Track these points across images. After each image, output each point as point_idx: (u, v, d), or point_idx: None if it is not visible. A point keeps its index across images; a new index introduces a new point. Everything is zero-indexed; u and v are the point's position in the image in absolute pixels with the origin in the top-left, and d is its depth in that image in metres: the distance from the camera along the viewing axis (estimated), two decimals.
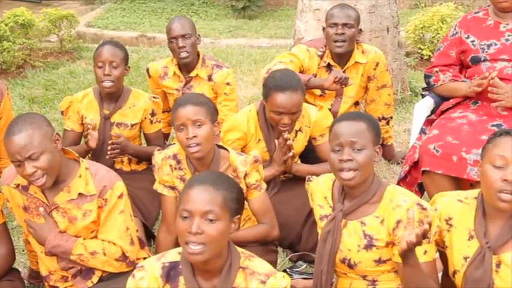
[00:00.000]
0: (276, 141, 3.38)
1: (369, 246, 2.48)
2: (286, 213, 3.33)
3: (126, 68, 3.65)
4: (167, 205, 3.03)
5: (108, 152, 3.59)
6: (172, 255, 2.25)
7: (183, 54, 3.92)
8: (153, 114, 3.73)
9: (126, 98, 3.69)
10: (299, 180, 3.49)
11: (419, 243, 2.25)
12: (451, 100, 3.52)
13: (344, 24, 3.84)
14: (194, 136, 2.84)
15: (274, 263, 3.07)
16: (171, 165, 3.01)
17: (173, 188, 3.02)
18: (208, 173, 2.32)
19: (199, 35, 4.05)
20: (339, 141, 2.44)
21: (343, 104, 4.07)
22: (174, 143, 3.48)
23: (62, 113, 3.78)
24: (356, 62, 4.00)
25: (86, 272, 2.79)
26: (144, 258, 2.69)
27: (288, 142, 3.32)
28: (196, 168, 2.95)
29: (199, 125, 2.85)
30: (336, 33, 3.84)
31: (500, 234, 2.36)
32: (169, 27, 3.97)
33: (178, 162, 3.01)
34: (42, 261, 2.86)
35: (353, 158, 2.42)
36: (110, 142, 3.60)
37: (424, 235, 2.23)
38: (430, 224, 2.27)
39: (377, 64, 4.06)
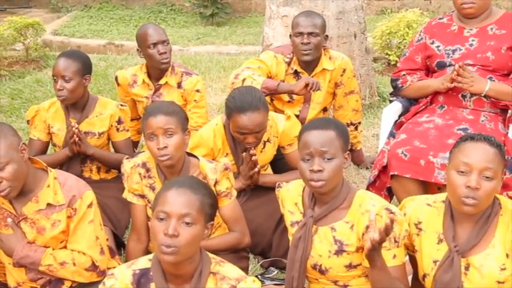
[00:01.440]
0: (243, 154, 3.37)
1: (339, 251, 2.50)
2: (257, 220, 3.33)
3: (86, 78, 3.58)
4: (137, 213, 3.02)
5: (70, 141, 3.55)
6: (143, 262, 2.24)
7: (165, 60, 3.91)
8: (119, 122, 3.70)
9: (93, 107, 3.66)
10: (269, 187, 3.51)
11: (382, 240, 2.26)
12: (420, 104, 3.55)
13: (309, 33, 3.86)
14: (165, 146, 2.83)
15: (245, 270, 3.07)
16: (140, 174, 2.99)
17: (142, 196, 3.00)
18: (186, 178, 2.32)
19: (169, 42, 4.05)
20: (309, 151, 2.45)
21: (311, 110, 4.09)
22: (143, 151, 3.47)
23: (28, 122, 3.74)
24: (323, 69, 4.03)
25: (55, 282, 2.75)
26: (115, 267, 2.66)
27: (253, 158, 3.32)
28: (166, 177, 2.94)
29: (170, 135, 2.85)
30: (302, 43, 3.87)
31: (468, 237, 2.39)
32: (146, 34, 3.92)
33: (148, 170, 2.99)
34: (10, 273, 2.81)
35: (323, 169, 2.43)
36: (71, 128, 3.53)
37: (387, 232, 2.25)
38: (392, 221, 2.28)
39: (344, 70, 4.09)
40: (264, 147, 3.49)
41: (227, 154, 3.46)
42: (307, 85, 3.74)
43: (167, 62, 3.93)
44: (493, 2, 3.64)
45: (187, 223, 2.10)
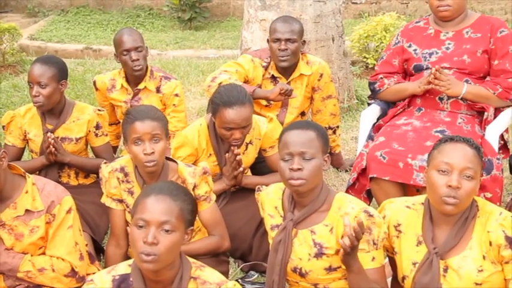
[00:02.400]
0: (226, 155, 3.37)
1: (319, 254, 2.50)
2: (236, 224, 3.33)
3: (62, 84, 3.55)
4: (115, 218, 3.00)
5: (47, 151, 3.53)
6: (123, 267, 2.22)
7: (137, 67, 3.89)
8: (97, 127, 3.68)
9: (70, 112, 3.63)
10: (248, 190, 3.50)
11: (353, 245, 2.28)
12: (398, 106, 3.58)
13: (287, 40, 3.86)
14: (152, 152, 2.82)
15: (226, 274, 3.07)
16: (118, 178, 2.98)
17: (121, 201, 2.99)
18: (165, 183, 2.30)
19: (147, 47, 4.03)
20: (289, 151, 2.46)
21: (288, 114, 4.09)
22: (122, 156, 3.45)
23: (4, 127, 3.70)
24: (301, 74, 4.04)
25: None
26: (94, 273, 2.64)
27: (238, 157, 3.33)
28: (145, 181, 2.93)
29: (156, 140, 2.85)
30: (279, 49, 3.87)
31: (447, 239, 2.41)
32: (120, 40, 3.91)
33: (126, 175, 2.98)
34: None
35: (303, 168, 2.44)
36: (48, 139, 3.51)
37: (357, 236, 2.27)
38: (361, 226, 2.30)
39: (321, 75, 4.11)
40: (246, 149, 3.49)
41: (210, 155, 3.46)
42: (281, 91, 3.77)
43: (139, 70, 3.90)
44: (468, 5, 3.67)
45: (166, 230, 2.09)
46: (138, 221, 2.11)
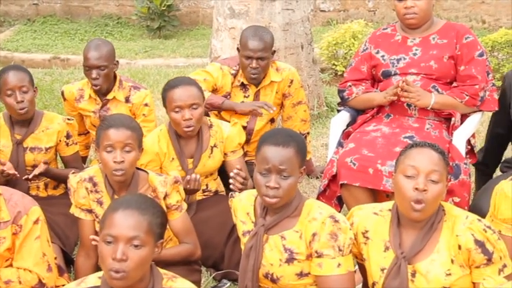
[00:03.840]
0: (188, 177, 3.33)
1: (290, 260, 2.51)
2: (208, 233, 3.32)
3: (34, 90, 3.54)
4: (85, 229, 2.97)
5: (30, 177, 3.49)
6: (93, 280, 2.19)
7: (96, 87, 3.83)
8: (68, 136, 3.65)
9: (39, 122, 3.59)
10: (218, 198, 3.51)
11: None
12: (368, 114, 3.60)
13: (259, 58, 3.84)
14: (122, 161, 2.80)
15: (198, 283, 3.05)
16: (87, 188, 2.95)
17: (90, 211, 2.96)
18: (133, 197, 2.27)
19: (117, 61, 3.94)
20: (268, 167, 2.46)
21: (258, 121, 4.09)
22: (91, 166, 3.42)
23: None
24: (271, 81, 4.05)
25: None
26: (63, 286, 2.61)
27: (196, 183, 3.32)
28: (114, 191, 2.91)
29: (128, 150, 2.83)
30: (251, 66, 3.86)
31: (413, 243, 2.43)
32: (85, 55, 3.82)
33: (95, 184, 2.95)
34: None
35: (279, 186, 2.44)
36: (34, 174, 3.49)
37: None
38: (335, 235, 2.39)
39: (291, 81, 4.12)
40: (211, 153, 3.50)
41: (173, 159, 3.46)
42: (253, 111, 3.83)
43: (97, 89, 3.86)
44: (434, 13, 3.72)
45: (135, 246, 2.07)
46: (106, 237, 2.08)
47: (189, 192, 3.33)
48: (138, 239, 2.07)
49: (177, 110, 3.32)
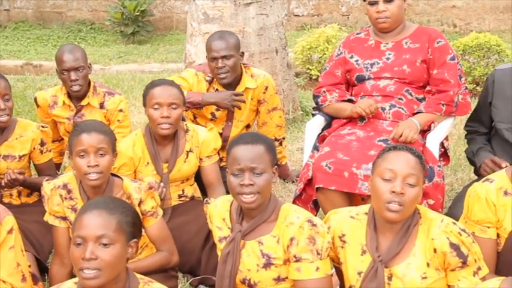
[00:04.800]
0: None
1: (267, 265, 2.51)
2: (184, 238, 3.30)
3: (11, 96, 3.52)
4: (59, 236, 2.95)
5: (3, 184, 3.44)
6: (68, 285, 2.19)
7: (75, 88, 3.82)
8: (42, 143, 3.61)
9: (12, 129, 3.54)
10: (194, 204, 3.50)
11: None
12: (343, 120, 3.62)
13: (223, 57, 3.87)
14: (96, 165, 2.78)
15: None
16: (61, 195, 2.93)
17: (64, 218, 2.94)
18: (102, 198, 2.28)
19: (90, 64, 3.95)
20: (240, 167, 2.46)
21: (234, 128, 4.10)
22: (65, 173, 3.40)
23: None
24: (246, 88, 4.05)
25: None
26: None
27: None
28: (89, 197, 2.89)
29: (102, 154, 2.82)
30: (217, 67, 3.88)
31: (390, 247, 2.45)
32: (61, 59, 3.81)
33: (69, 191, 2.93)
34: None
35: (254, 183, 2.45)
36: (7, 179, 3.45)
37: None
38: (313, 239, 2.40)
39: (266, 88, 4.13)
40: (187, 157, 3.49)
41: (148, 163, 3.45)
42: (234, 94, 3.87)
43: (77, 90, 3.84)
44: (406, 17, 3.76)
45: (104, 244, 2.07)
46: (75, 239, 2.08)
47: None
48: (106, 237, 2.07)
49: (156, 107, 3.34)
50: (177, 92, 3.40)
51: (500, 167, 3.04)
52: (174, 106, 3.35)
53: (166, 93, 3.35)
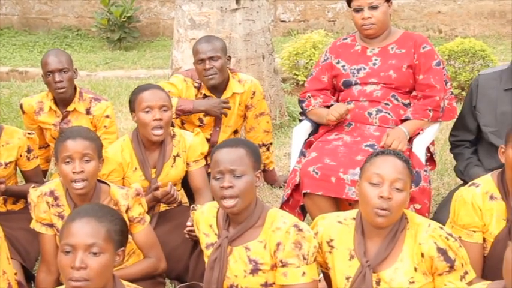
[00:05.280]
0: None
1: (254, 270, 2.51)
2: (171, 245, 3.30)
3: None
4: (46, 244, 2.93)
5: None
6: None
7: (60, 90, 3.82)
8: (29, 150, 3.59)
9: None
10: (182, 210, 3.49)
11: None
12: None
13: (210, 58, 3.89)
14: (81, 171, 2.77)
15: None
16: (47, 202, 2.91)
17: (51, 225, 2.92)
18: (90, 206, 2.27)
19: (76, 69, 3.95)
20: (219, 169, 2.47)
21: (222, 133, 4.11)
22: (52, 179, 3.38)
23: None
24: (233, 93, 4.06)
25: None
26: None
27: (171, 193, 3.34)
28: (76, 204, 2.88)
29: (87, 160, 2.81)
30: (205, 69, 3.89)
31: (378, 252, 2.45)
32: (45, 61, 3.83)
33: (56, 198, 2.92)
34: None
35: (234, 185, 2.45)
36: None
37: None
38: (300, 244, 2.39)
39: (254, 93, 4.14)
40: (174, 162, 3.49)
41: (136, 169, 3.45)
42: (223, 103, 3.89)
43: (62, 92, 3.83)
44: (392, 22, 3.78)
45: (94, 253, 2.05)
46: (64, 247, 2.06)
47: (165, 203, 3.38)
48: (96, 246, 2.06)
49: (147, 110, 3.34)
50: (166, 95, 3.42)
51: None
52: (164, 108, 3.36)
53: (157, 96, 3.37)
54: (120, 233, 2.15)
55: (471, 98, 3.51)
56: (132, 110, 3.44)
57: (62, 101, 3.92)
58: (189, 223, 3.23)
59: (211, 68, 3.89)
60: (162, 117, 3.33)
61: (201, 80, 3.99)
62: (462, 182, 3.57)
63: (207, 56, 3.88)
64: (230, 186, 2.44)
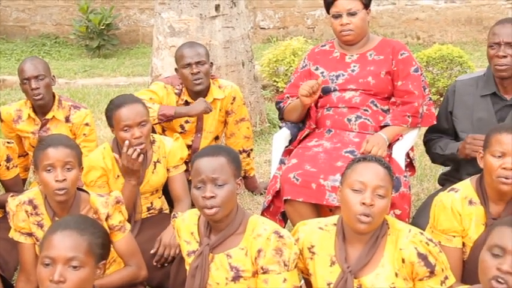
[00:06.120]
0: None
1: (236, 278, 2.50)
2: (152, 252, 3.28)
3: None
4: (25, 253, 2.91)
5: None
6: None
7: (37, 96, 3.79)
8: (8, 160, 3.56)
9: None
10: (163, 217, 3.48)
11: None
12: (306, 130, 3.63)
13: (197, 62, 3.89)
14: (64, 179, 2.75)
15: None
16: (26, 211, 2.88)
17: (30, 234, 2.90)
18: (72, 217, 2.24)
19: (54, 76, 3.93)
20: (201, 178, 2.46)
21: (203, 139, 4.10)
22: (31, 188, 3.35)
23: None
24: (214, 98, 4.06)
25: None
26: None
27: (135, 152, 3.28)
28: (55, 213, 2.85)
29: (69, 168, 2.78)
30: (192, 73, 3.89)
31: (359, 258, 2.46)
32: (21, 68, 3.81)
33: (35, 207, 2.89)
34: None
35: (215, 195, 2.44)
36: None
37: None
38: (280, 250, 2.35)
39: (234, 98, 4.15)
40: (155, 168, 3.48)
41: (118, 176, 3.43)
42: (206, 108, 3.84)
43: (39, 99, 3.80)
44: (370, 29, 3.81)
45: (74, 267, 2.03)
46: (44, 259, 2.03)
47: (127, 170, 3.30)
48: (76, 259, 2.03)
49: (126, 129, 3.30)
50: (142, 108, 3.35)
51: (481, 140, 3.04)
52: (143, 123, 3.32)
53: (134, 112, 3.29)
54: (102, 246, 2.13)
55: (447, 103, 3.54)
56: (110, 125, 3.40)
57: (41, 109, 3.89)
58: (152, 251, 3.23)
59: (199, 72, 3.89)
60: (141, 133, 3.30)
61: (186, 85, 3.98)
62: (441, 187, 3.60)
63: (193, 60, 3.89)
64: (212, 196, 2.44)
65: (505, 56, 3.26)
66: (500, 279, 2.01)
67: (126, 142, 3.27)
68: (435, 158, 3.63)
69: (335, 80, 3.60)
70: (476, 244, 2.72)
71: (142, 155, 3.29)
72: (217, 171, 2.46)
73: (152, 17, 8.50)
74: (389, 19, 9.13)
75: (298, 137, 3.62)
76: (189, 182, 3.62)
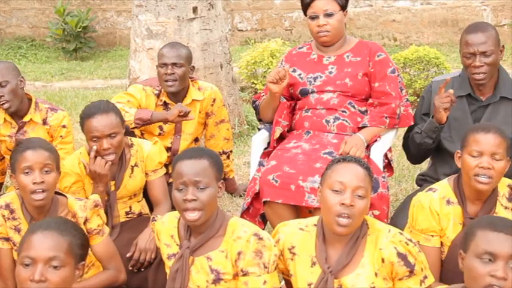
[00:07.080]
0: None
1: (216, 280, 2.50)
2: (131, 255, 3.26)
3: None
4: (2, 258, 2.87)
5: None
6: None
7: (5, 106, 3.70)
8: None
9: None
10: (142, 220, 3.46)
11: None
12: (275, 128, 3.62)
13: (173, 64, 3.87)
14: (42, 181, 2.72)
15: None
16: (3, 216, 2.85)
17: (7, 239, 2.87)
18: (52, 219, 2.25)
19: (22, 77, 3.84)
20: (183, 180, 2.46)
21: (182, 141, 4.09)
22: (7, 192, 3.31)
23: None
24: (193, 100, 4.05)
25: None
26: None
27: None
28: (33, 217, 2.83)
29: (47, 171, 2.76)
30: (166, 73, 3.87)
31: (339, 258, 2.47)
32: None
33: (12, 211, 2.86)
34: None
35: (197, 198, 2.44)
36: None
37: None
38: (260, 252, 2.37)
39: (214, 100, 4.14)
40: (132, 172, 3.45)
41: None
42: (180, 113, 3.78)
43: (8, 107, 3.72)
44: (348, 31, 3.83)
45: (55, 266, 2.02)
46: (24, 259, 2.02)
47: (94, 175, 3.27)
48: (57, 259, 2.03)
49: (94, 139, 3.26)
50: (114, 119, 3.26)
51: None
52: (113, 135, 3.25)
53: (103, 124, 3.22)
54: (82, 247, 2.13)
55: (422, 104, 3.57)
56: (83, 132, 3.36)
57: (16, 113, 3.84)
58: (128, 254, 3.20)
59: (172, 73, 3.87)
60: (110, 145, 3.24)
61: (160, 84, 3.96)
62: (419, 187, 3.62)
63: (170, 61, 3.86)
64: (194, 199, 2.43)
65: (481, 66, 3.31)
66: (496, 287, 2.02)
67: (94, 147, 3.24)
68: (414, 142, 3.49)
69: (313, 82, 3.61)
70: (454, 244, 2.75)
71: (109, 162, 3.26)
72: (199, 174, 2.46)
73: (129, 19, 8.47)
74: (366, 21, 9.18)
75: (271, 137, 3.61)
76: (169, 184, 3.63)
